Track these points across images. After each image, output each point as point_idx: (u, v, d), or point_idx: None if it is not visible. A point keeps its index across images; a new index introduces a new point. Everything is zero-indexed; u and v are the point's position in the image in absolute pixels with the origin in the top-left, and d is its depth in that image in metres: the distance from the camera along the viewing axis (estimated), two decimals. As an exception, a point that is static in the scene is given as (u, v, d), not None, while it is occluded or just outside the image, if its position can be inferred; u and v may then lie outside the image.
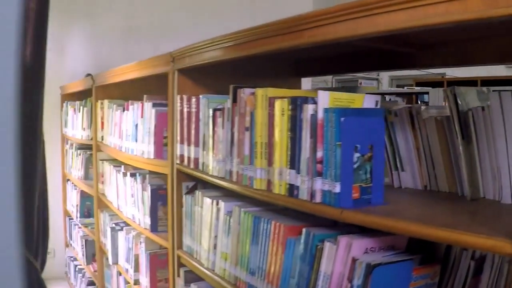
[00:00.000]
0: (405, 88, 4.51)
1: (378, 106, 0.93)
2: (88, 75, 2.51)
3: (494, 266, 0.85)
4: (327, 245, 0.87)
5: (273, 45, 0.95)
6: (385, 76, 4.98)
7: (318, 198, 0.87)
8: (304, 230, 0.93)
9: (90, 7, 3.24)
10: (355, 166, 0.84)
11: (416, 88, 4.45)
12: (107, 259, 2.21)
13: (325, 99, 0.86)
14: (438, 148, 1.03)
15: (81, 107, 2.59)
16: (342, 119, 0.82)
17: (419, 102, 4.32)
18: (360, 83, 4.87)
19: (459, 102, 0.97)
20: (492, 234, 0.62)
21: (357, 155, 0.84)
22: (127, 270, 1.92)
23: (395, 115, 1.09)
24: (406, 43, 1.17)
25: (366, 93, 0.97)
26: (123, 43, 3.20)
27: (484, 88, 1.08)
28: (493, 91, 0.96)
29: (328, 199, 0.85)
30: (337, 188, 0.83)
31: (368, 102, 0.91)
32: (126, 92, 2.17)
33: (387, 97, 4.34)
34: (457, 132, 0.94)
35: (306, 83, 3.86)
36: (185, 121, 1.35)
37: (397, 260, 0.83)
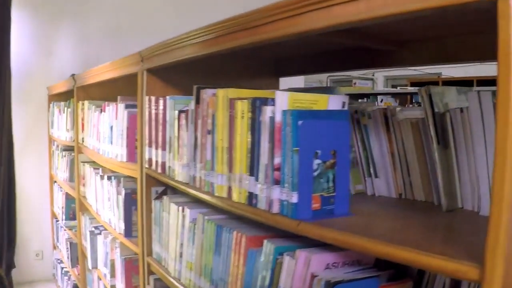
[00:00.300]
0: (398, 88, 4.41)
1: (345, 108, 0.85)
2: (73, 75, 2.45)
3: (472, 283, 0.77)
4: (286, 259, 0.80)
5: (231, 42, 0.88)
6: (380, 76, 4.88)
7: (275, 208, 0.79)
8: (265, 241, 0.86)
9: (77, 8, 3.19)
10: (315, 174, 0.77)
11: (410, 88, 4.34)
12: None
13: (283, 100, 0.79)
14: (414, 154, 0.95)
15: (65, 108, 2.53)
16: (300, 122, 0.75)
17: (413, 102, 4.22)
18: (355, 83, 4.77)
19: (436, 103, 0.89)
20: (458, 255, 0.55)
21: (317, 161, 0.77)
22: (105, 275, 1.87)
23: (368, 117, 1.02)
24: (387, 40, 1.10)
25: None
26: (110, 43, 3.14)
27: (466, 88, 1.00)
28: (476, 90, 0.88)
29: (286, 209, 0.77)
30: (294, 198, 0.75)
31: (333, 103, 0.84)
32: (108, 93, 2.11)
33: (380, 98, 4.24)
34: (432, 136, 0.87)
35: (299, 82, 3.79)
36: (153, 123, 1.29)
37: (361, 277, 0.75)
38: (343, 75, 4.92)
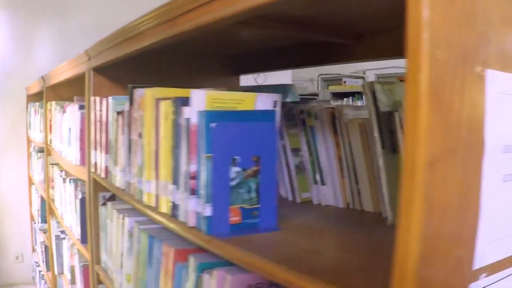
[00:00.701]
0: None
1: (277, 108, 0.76)
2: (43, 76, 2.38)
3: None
4: (206, 277, 0.71)
5: (155, 36, 0.79)
6: (371, 74, 4.76)
7: (192, 221, 0.71)
8: (190, 256, 0.78)
9: (57, 6, 3.11)
10: (233, 183, 0.68)
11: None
12: (58, 268, 2.08)
13: (200, 100, 0.70)
14: (362, 159, 0.86)
15: (39, 109, 2.47)
16: (213, 124, 0.66)
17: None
18: (344, 82, 4.66)
19: (381, 100, 0.80)
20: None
21: (236, 169, 0.68)
22: (69, 281, 1.79)
23: (315, 117, 0.93)
24: (343, 32, 1.01)
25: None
26: (92, 43, 3.06)
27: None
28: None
29: (201, 223, 0.69)
30: (208, 211, 0.67)
31: (262, 102, 0.75)
32: (77, 92, 2.03)
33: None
34: (376, 139, 0.78)
35: (287, 79, 3.68)
36: (98, 125, 1.21)
37: (285, 300, 0.67)
38: (334, 74, 4.82)
